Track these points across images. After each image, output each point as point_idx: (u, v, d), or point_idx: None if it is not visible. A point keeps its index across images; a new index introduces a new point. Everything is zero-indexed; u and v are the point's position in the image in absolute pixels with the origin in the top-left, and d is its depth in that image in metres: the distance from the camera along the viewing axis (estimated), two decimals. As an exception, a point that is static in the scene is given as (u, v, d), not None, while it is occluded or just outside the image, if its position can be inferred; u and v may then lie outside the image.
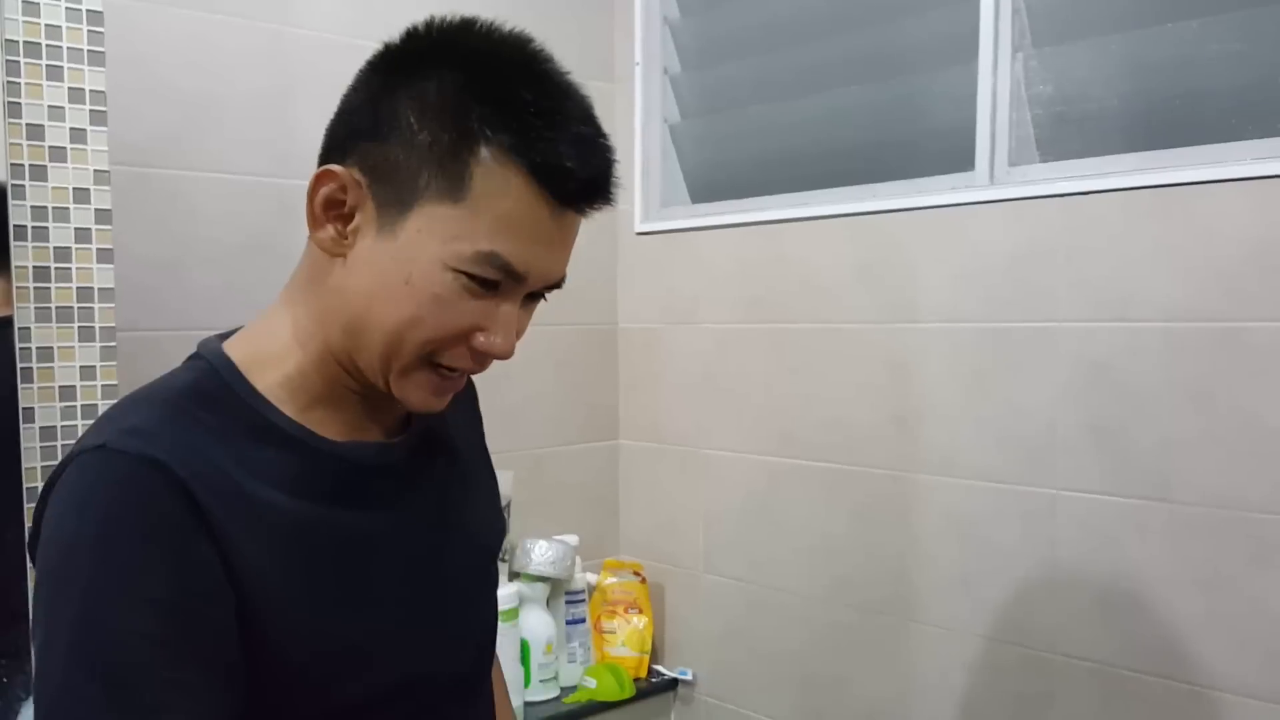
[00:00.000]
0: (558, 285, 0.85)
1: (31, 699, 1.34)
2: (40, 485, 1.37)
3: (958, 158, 1.65)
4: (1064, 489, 1.50)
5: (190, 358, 0.86)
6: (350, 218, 0.80)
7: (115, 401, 0.85)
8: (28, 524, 1.35)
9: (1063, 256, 1.50)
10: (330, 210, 0.80)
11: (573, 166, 0.78)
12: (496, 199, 0.77)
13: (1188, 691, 1.39)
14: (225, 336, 0.87)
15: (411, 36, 0.83)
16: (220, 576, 0.75)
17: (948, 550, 1.65)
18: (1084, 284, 1.47)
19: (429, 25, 0.82)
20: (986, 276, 1.58)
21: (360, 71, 0.84)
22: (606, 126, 0.82)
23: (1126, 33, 1.50)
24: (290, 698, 0.80)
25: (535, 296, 0.85)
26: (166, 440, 0.76)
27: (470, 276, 0.78)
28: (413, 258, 0.78)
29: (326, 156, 0.83)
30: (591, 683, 1.96)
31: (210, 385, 0.81)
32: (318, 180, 0.80)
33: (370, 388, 0.85)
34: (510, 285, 0.80)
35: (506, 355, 0.83)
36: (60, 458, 1.37)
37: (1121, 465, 1.44)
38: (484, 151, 0.76)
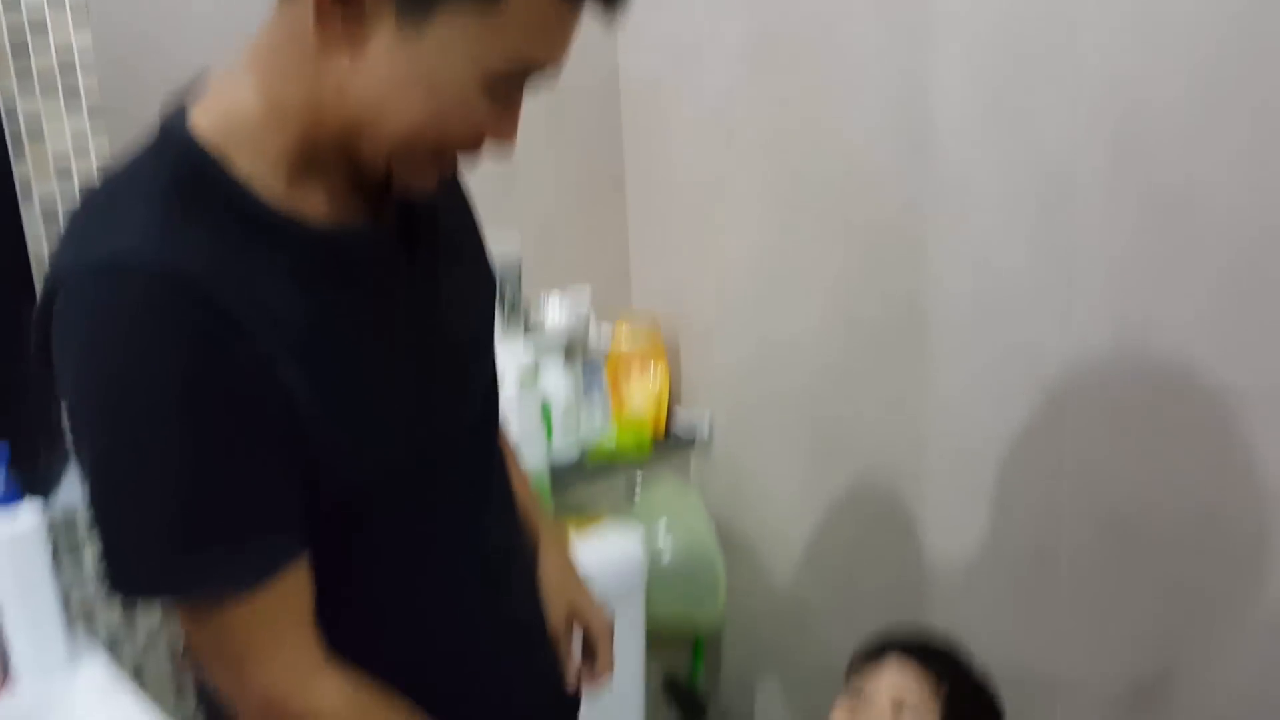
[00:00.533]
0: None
1: (71, 469, 1.37)
2: (46, 258, 1.36)
3: None
4: (1085, 220, 1.47)
5: (160, 138, 0.81)
6: (360, 8, 0.73)
7: (93, 187, 0.81)
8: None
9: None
10: (340, 1, 0.73)
11: None
12: (531, 6, 0.74)
13: (1201, 406, 1.41)
14: (183, 104, 0.82)
15: None
16: (260, 378, 0.76)
17: (961, 284, 1.64)
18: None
19: None
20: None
21: None
22: None
23: None
24: (318, 481, 0.83)
25: None
26: (173, 246, 0.74)
27: (495, 80, 0.76)
28: (438, 66, 0.74)
29: None
30: (611, 440, 2.01)
31: (191, 177, 0.78)
32: None
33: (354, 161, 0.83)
34: (526, 82, 0.80)
35: (512, 142, 0.83)
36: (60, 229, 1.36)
37: (1146, 191, 1.40)
38: None
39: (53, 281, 0.76)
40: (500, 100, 0.79)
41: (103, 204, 0.79)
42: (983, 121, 1.56)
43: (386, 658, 0.90)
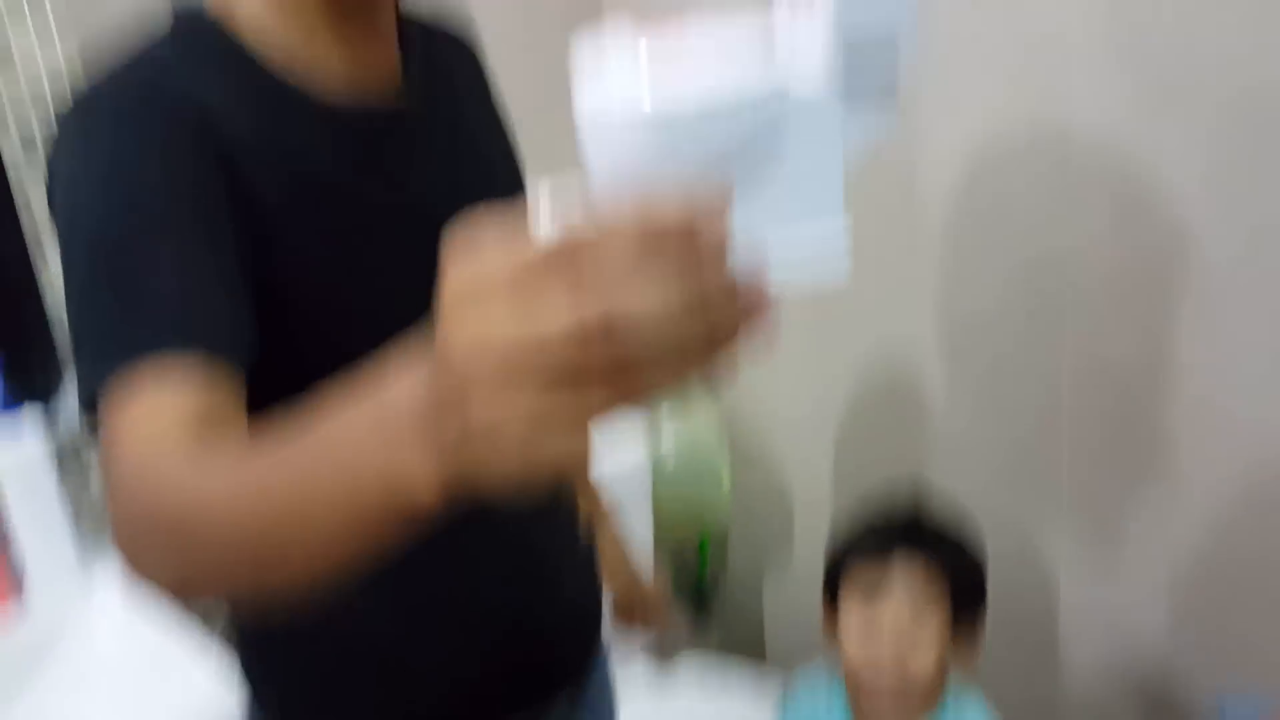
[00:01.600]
0: None
1: (69, 378, 1.36)
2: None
3: None
4: (1078, 84, 1.43)
5: (168, 19, 0.79)
6: None
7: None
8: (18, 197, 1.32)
9: None
10: None
11: None
12: None
13: (1196, 277, 1.40)
14: None
15: None
16: (229, 200, 0.73)
17: (954, 153, 1.60)
18: None
19: None
20: None
21: None
22: None
23: None
24: (297, 352, 0.78)
25: None
26: (173, 76, 0.74)
27: None
28: None
29: None
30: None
31: (195, 37, 0.77)
32: None
33: (349, 18, 0.80)
34: None
35: None
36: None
37: (1139, 53, 1.37)
38: None
39: (57, 124, 0.76)
40: None
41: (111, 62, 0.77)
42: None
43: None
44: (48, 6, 1.32)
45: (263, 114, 0.77)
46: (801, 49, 0.41)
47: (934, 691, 1.30)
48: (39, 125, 1.34)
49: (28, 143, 1.34)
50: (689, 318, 0.39)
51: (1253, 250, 1.35)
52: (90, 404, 0.68)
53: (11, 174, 1.34)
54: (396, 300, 0.82)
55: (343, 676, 0.92)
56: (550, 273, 0.40)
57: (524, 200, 1.02)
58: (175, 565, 0.60)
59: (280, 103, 0.78)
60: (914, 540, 1.34)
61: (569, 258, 0.39)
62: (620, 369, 0.40)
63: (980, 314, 1.66)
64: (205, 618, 1.59)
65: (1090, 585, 1.64)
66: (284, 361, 0.75)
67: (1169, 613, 1.56)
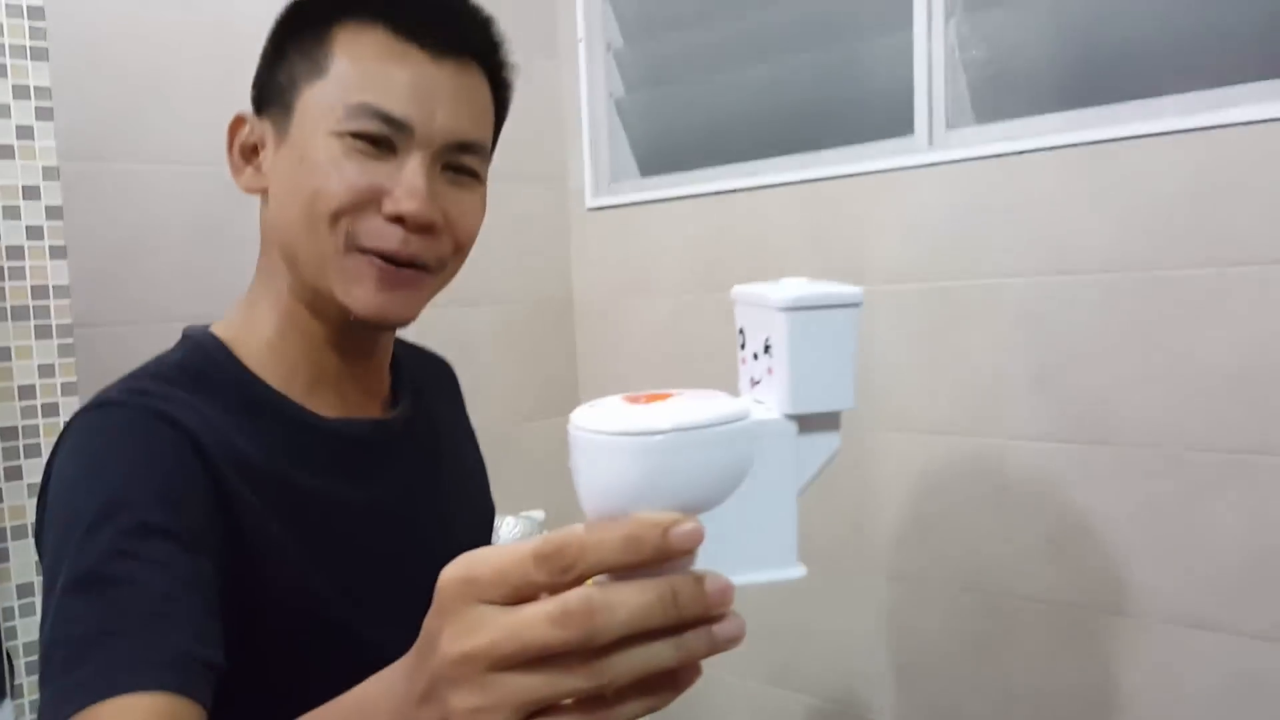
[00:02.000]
0: (470, 150, 0.86)
1: (7, 701, 1.35)
2: (1, 485, 1.38)
3: (897, 122, 1.69)
4: (1012, 437, 1.55)
5: (179, 341, 0.88)
6: (260, 150, 0.86)
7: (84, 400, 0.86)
8: (-6, 522, 1.35)
9: (1001, 214, 1.54)
10: (247, 156, 0.87)
11: (419, 0, 0.83)
12: (357, 56, 0.82)
13: (1134, 624, 1.46)
14: (207, 325, 0.90)
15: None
16: (211, 527, 0.76)
17: (901, 501, 1.70)
18: (1023, 239, 1.52)
19: None
20: (929, 236, 1.63)
21: None
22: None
23: (1054, -6, 1.55)
24: (277, 659, 0.81)
25: (459, 170, 0.86)
26: (170, 400, 0.79)
27: (355, 135, 0.81)
28: (303, 142, 0.82)
29: None
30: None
31: (199, 363, 0.84)
32: (229, 131, 0.87)
33: (352, 349, 0.88)
34: (402, 139, 0.82)
35: (418, 217, 0.81)
36: (21, 457, 1.39)
37: (1065, 410, 1.50)
38: (340, 24, 0.83)
39: (57, 439, 0.80)
40: (377, 159, 0.81)
41: (122, 381, 0.83)
42: (914, 351, 1.66)
43: None
44: (52, 319, 1.42)
45: (255, 429, 0.82)
46: (767, 399, 0.54)
47: None
48: (22, 420, 1.40)
49: (6, 435, 1.40)
50: (661, 607, 0.43)
51: (1186, 585, 1.41)
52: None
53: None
54: (366, 603, 0.86)
55: None
56: (538, 563, 0.43)
57: (492, 512, 1.09)
58: None
59: (274, 418, 0.84)
60: None
61: (556, 551, 0.43)
62: (597, 653, 0.42)
63: (929, 638, 1.68)
64: None
65: None
66: (251, 664, 0.76)
67: None
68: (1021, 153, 1.52)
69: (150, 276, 1.57)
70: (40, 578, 1.36)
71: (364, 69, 0.81)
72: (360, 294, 0.83)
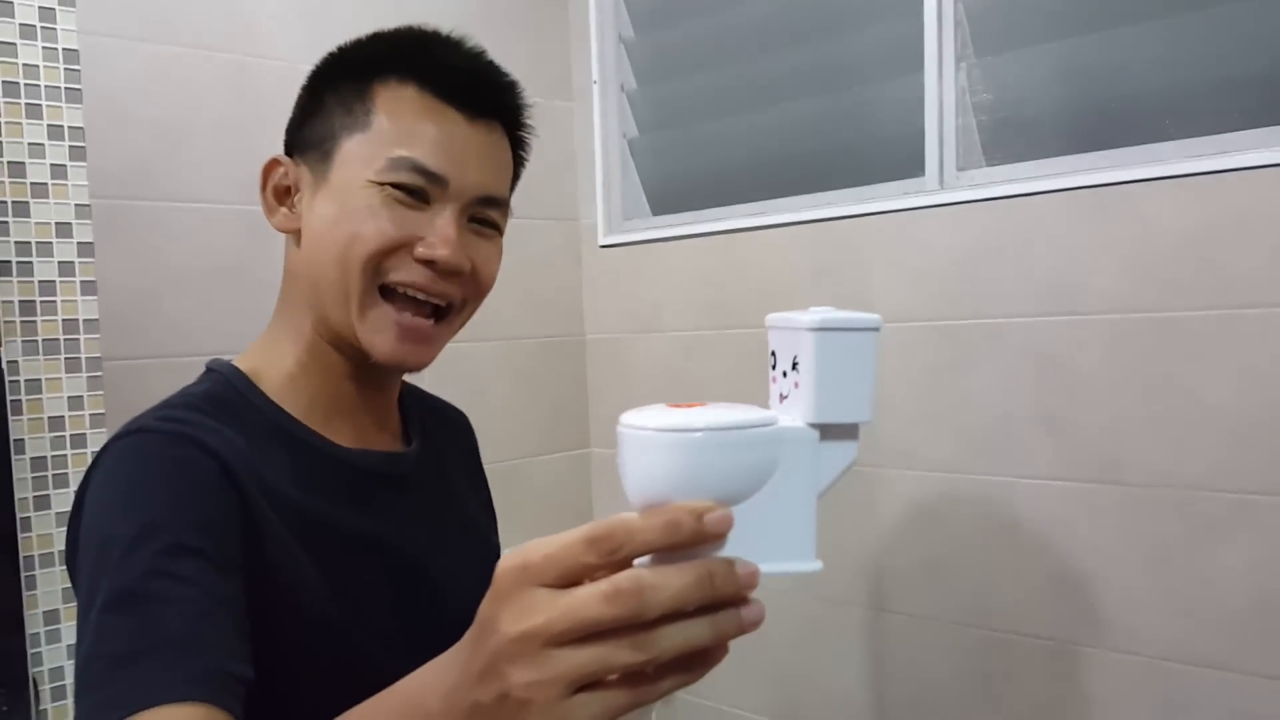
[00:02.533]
0: (494, 204, 0.91)
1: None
2: (31, 514, 1.40)
3: (908, 164, 1.72)
4: (1019, 476, 1.58)
5: (202, 374, 0.91)
6: (295, 193, 0.90)
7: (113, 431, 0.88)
8: (21, 552, 1.38)
9: (1009, 255, 1.58)
10: (280, 197, 0.90)
11: (455, 64, 0.89)
12: (399, 113, 0.87)
13: (1142, 663, 1.47)
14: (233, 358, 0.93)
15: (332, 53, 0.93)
16: (241, 550, 0.79)
17: (910, 540, 1.72)
18: (1030, 280, 1.55)
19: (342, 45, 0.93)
20: (938, 277, 1.66)
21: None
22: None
23: (1061, 41, 1.59)
24: (293, 682, 0.83)
25: (483, 223, 0.91)
26: (200, 427, 0.82)
27: (394, 186, 0.86)
28: (342, 188, 0.87)
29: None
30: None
31: (224, 393, 0.88)
32: (264, 172, 0.91)
33: (367, 382, 0.92)
34: (437, 192, 0.87)
35: (450, 263, 0.87)
36: (50, 487, 1.41)
37: (1072, 451, 1.52)
38: (381, 81, 0.87)
39: (91, 464, 0.83)
40: (412, 209, 0.86)
41: (147, 411, 0.85)
42: (919, 392, 1.69)
43: None
44: (81, 354, 1.45)
45: (277, 456, 0.85)
46: (792, 410, 0.63)
47: None
48: (52, 453, 1.43)
49: (38, 466, 1.42)
50: (699, 586, 0.49)
51: (1192, 624, 1.42)
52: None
53: (18, 495, 1.40)
54: (378, 632, 0.88)
55: None
56: (588, 545, 0.48)
57: (497, 556, 1.11)
58: None
59: (296, 446, 0.87)
60: None
61: (606, 534, 0.48)
62: (644, 629, 0.48)
63: (935, 675, 1.70)
64: None
65: None
66: (269, 686, 0.78)
67: None
68: (1030, 195, 1.55)
69: (176, 312, 1.60)
70: (65, 604, 1.38)
71: (404, 125, 0.86)
72: (380, 342, 0.88)
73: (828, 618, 1.84)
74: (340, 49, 0.92)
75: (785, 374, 0.67)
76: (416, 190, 0.86)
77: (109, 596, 0.74)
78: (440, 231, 0.87)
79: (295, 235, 0.90)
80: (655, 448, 0.53)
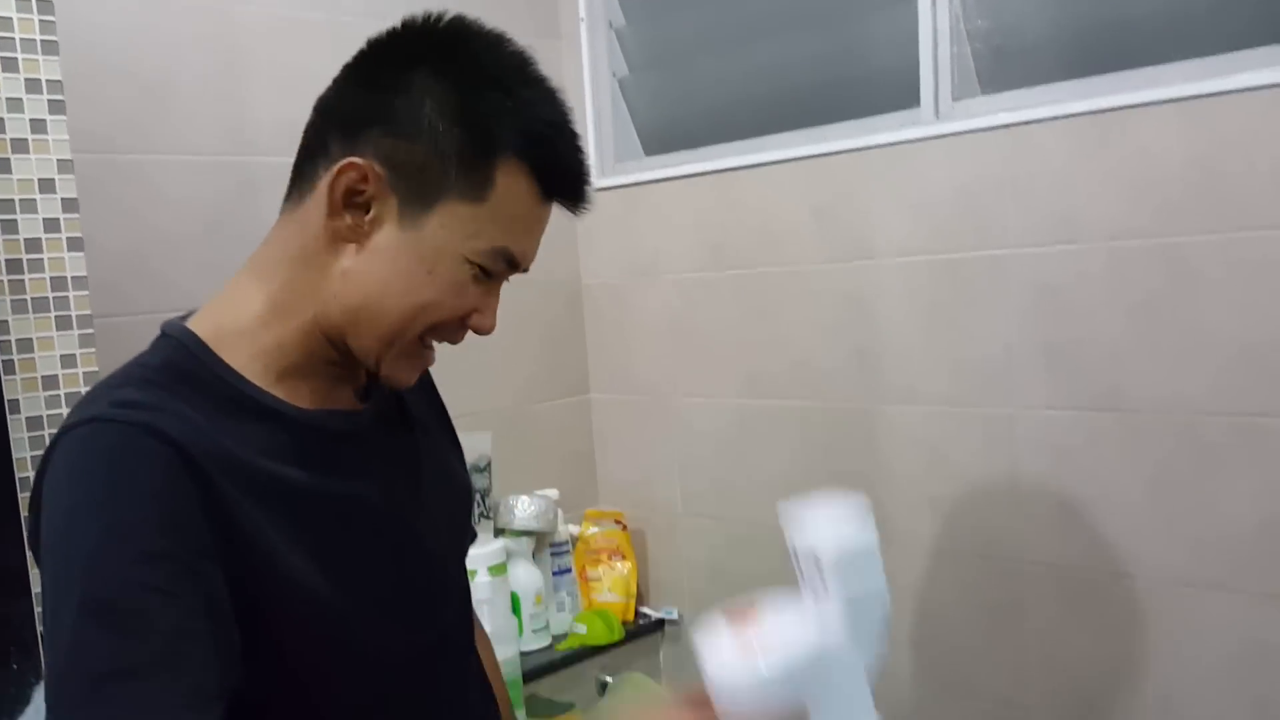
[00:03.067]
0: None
1: (42, 683, 1.37)
2: (30, 474, 1.40)
3: (903, 95, 1.69)
4: (1021, 407, 1.57)
5: (157, 339, 0.89)
6: (368, 207, 0.85)
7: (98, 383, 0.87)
8: (23, 512, 1.37)
9: (1008, 185, 1.55)
10: (349, 198, 0.84)
11: (571, 167, 0.89)
12: (513, 200, 0.86)
13: (1144, 587, 1.47)
14: (186, 317, 0.90)
15: (409, 29, 0.88)
16: (212, 539, 0.78)
17: (914, 474, 1.72)
18: (1030, 211, 1.53)
19: (425, 20, 0.88)
20: (937, 210, 1.64)
21: (358, 59, 0.89)
22: (555, 82, 0.90)
23: (1057, -36, 1.56)
24: (284, 662, 0.83)
25: None
26: (157, 411, 0.79)
27: (481, 267, 0.86)
28: (436, 250, 0.85)
29: (324, 140, 0.86)
30: (582, 629, 2.02)
31: (182, 361, 0.85)
32: (340, 171, 0.84)
33: (344, 358, 0.89)
34: (506, 272, 0.90)
35: (491, 331, 0.91)
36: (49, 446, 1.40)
37: (1074, 380, 1.51)
38: (505, 156, 0.84)
39: (49, 448, 0.81)
40: (482, 288, 0.89)
41: (104, 387, 0.84)
42: (920, 325, 1.68)
43: None
44: (72, 311, 1.44)
45: (241, 428, 0.83)
46: (829, 625, 0.74)
47: None
48: (48, 412, 1.42)
49: (34, 425, 1.42)
50: None
51: (1195, 560, 1.43)
52: None
53: (16, 457, 1.40)
54: (358, 594, 0.88)
55: None
56: None
57: (469, 492, 1.12)
58: None
59: (258, 415, 0.85)
60: None
61: None
62: None
63: (943, 607, 1.70)
64: None
65: None
66: (258, 663, 0.80)
67: None
68: (1028, 123, 1.52)
69: (166, 266, 1.58)
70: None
71: (514, 217, 0.87)
72: (401, 378, 0.91)
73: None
74: (429, 55, 0.86)
75: (808, 575, 0.80)
76: (497, 273, 0.89)
77: (81, 608, 0.74)
78: (492, 305, 0.91)
79: (344, 244, 0.86)
80: (734, 687, 0.69)
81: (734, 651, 0.68)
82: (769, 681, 0.68)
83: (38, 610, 1.40)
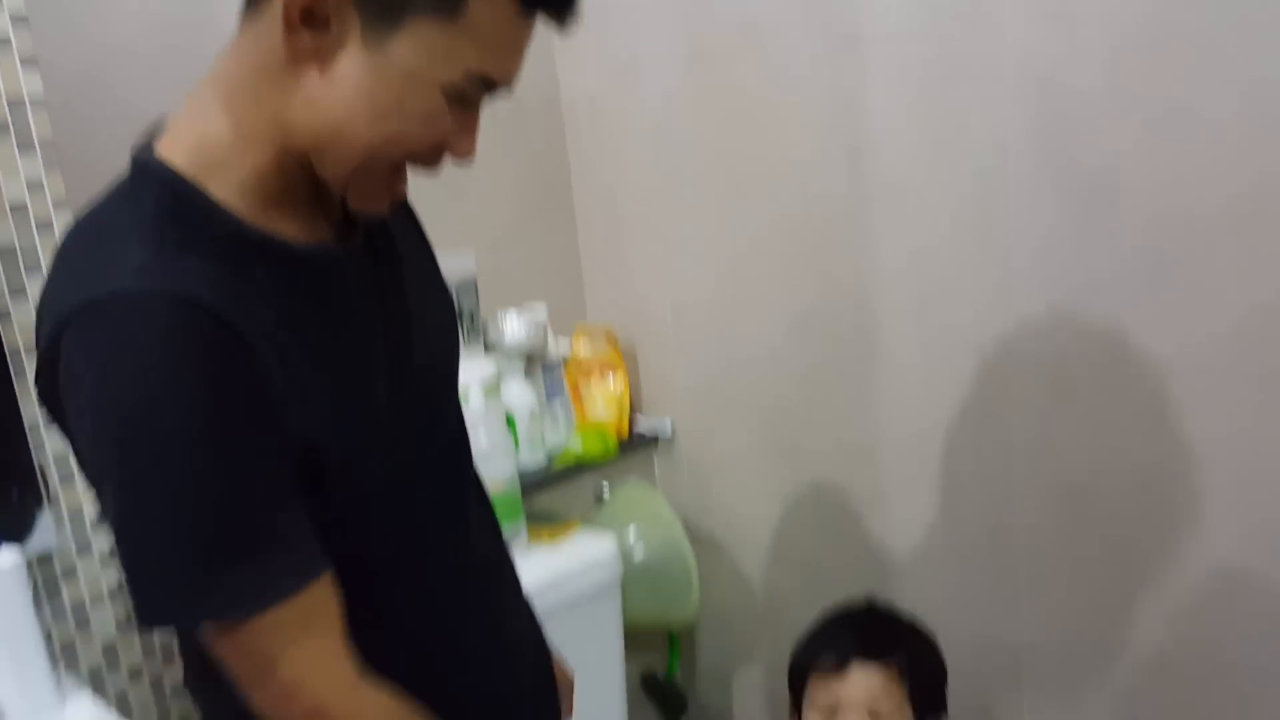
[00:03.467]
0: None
1: (45, 508, 1.38)
2: (9, 307, 1.37)
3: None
4: (1015, 206, 1.54)
5: (133, 175, 0.83)
6: (326, 25, 0.77)
7: (73, 229, 0.84)
8: (5, 345, 1.35)
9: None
10: (305, 18, 0.77)
11: None
12: (490, 16, 0.78)
13: (1134, 373, 1.48)
14: (150, 141, 0.84)
15: None
16: (268, 395, 0.79)
17: (903, 276, 1.70)
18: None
19: None
20: (930, -2, 1.56)
21: None
22: None
23: None
24: (321, 494, 0.85)
25: None
26: (172, 273, 0.76)
27: (457, 93, 0.80)
28: (405, 76, 0.78)
29: None
30: (576, 445, 2.05)
31: (173, 205, 0.80)
32: None
33: (312, 178, 0.85)
34: (484, 96, 0.83)
35: (470, 158, 0.86)
36: (25, 277, 1.37)
37: (1069, 175, 1.48)
38: None
39: (55, 328, 0.77)
40: (459, 113, 0.82)
41: (90, 245, 0.81)
42: (913, 119, 1.62)
43: (380, 669, 0.92)
44: (32, 131, 1.38)
45: (251, 274, 0.80)
46: None
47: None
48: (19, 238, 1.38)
49: (6, 254, 1.38)
50: None
51: (1189, 349, 1.43)
52: (188, 619, 0.82)
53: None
54: (379, 429, 0.90)
55: None
56: None
57: (454, 308, 1.12)
58: None
59: (260, 255, 0.82)
60: (870, 650, 1.31)
61: None
62: None
63: (932, 414, 1.72)
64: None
65: (1053, 677, 1.68)
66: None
67: (1125, 692, 1.60)
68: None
69: (126, 83, 1.51)
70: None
71: (495, 35, 0.79)
72: (374, 207, 0.87)
73: (824, 359, 1.85)
74: None
75: None
76: (473, 97, 0.82)
77: (165, 499, 0.76)
78: (470, 131, 0.84)
79: (305, 65, 0.79)
80: None
81: None
82: None
83: (32, 441, 1.40)
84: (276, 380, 0.79)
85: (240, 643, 0.81)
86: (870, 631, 1.34)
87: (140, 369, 0.75)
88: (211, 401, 0.76)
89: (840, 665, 1.27)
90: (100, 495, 0.80)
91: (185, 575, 0.78)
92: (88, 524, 1.45)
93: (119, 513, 0.78)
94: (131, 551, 0.79)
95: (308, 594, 0.82)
